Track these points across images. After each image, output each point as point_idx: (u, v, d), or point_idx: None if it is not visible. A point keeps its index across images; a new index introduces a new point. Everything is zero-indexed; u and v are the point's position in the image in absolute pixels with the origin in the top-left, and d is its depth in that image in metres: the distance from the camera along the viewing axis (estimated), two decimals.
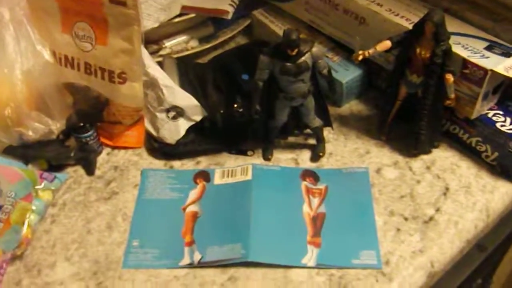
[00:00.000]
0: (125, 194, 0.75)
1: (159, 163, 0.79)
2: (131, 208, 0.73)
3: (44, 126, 0.75)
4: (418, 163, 0.76)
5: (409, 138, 0.77)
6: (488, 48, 0.70)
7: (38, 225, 0.71)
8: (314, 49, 0.68)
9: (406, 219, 0.69)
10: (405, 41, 0.69)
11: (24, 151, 0.74)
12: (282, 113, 0.74)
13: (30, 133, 0.74)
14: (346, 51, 0.86)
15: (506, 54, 0.69)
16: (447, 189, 0.72)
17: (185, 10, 0.89)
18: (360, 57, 0.69)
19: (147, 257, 0.67)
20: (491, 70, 0.66)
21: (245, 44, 0.98)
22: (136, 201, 0.74)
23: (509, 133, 0.70)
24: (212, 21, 0.95)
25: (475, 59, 0.68)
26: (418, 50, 0.68)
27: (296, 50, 0.66)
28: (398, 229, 0.68)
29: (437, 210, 0.70)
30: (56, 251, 0.68)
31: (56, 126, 0.76)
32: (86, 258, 0.67)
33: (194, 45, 0.93)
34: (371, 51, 0.69)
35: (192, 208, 0.72)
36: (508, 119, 0.72)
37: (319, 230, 0.68)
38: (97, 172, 0.78)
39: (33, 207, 0.70)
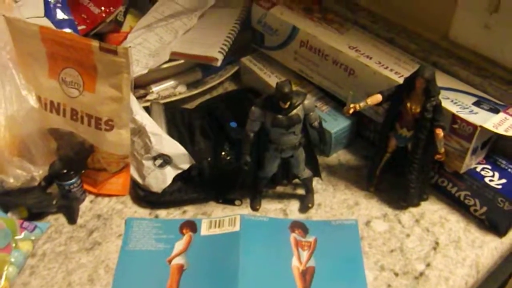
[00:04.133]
0: (108, 244, 0.72)
1: (144, 212, 0.77)
2: (114, 259, 0.70)
3: (26, 173, 0.73)
4: (407, 215, 0.76)
5: (398, 189, 0.77)
6: (477, 104, 0.71)
7: (16, 278, 0.67)
8: (306, 102, 0.67)
9: (396, 274, 0.68)
10: (395, 95, 0.69)
11: (4, 199, 0.72)
12: (272, 165, 0.73)
13: (11, 180, 0.71)
14: (334, 101, 0.86)
15: (494, 110, 0.70)
16: (436, 243, 0.72)
17: (174, 56, 0.89)
18: (351, 111, 0.69)
19: None
20: (481, 126, 0.67)
21: (233, 91, 0.98)
22: (120, 252, 0.71)
23: (497, 188, 0.70)
24: (200, 66, 0.95)
25: (464, 115, 0.68)
26: (408, 105, 0.68)
27: (288, 103, 0.65)
28: (389, 285, 0.67)
29: (428, 265, 0.69)
30: None
31: (39, 173, 0.74)
32: None
33: (182, 91, 0.93)
34: (362, 104, 0.69)
35: (178, 261, 0.70)
36: (497, 174, 0.72)
37: (308, 285, 0.67)
38: (80, 221, 0.76)
39: (12, 259, 0.67)
